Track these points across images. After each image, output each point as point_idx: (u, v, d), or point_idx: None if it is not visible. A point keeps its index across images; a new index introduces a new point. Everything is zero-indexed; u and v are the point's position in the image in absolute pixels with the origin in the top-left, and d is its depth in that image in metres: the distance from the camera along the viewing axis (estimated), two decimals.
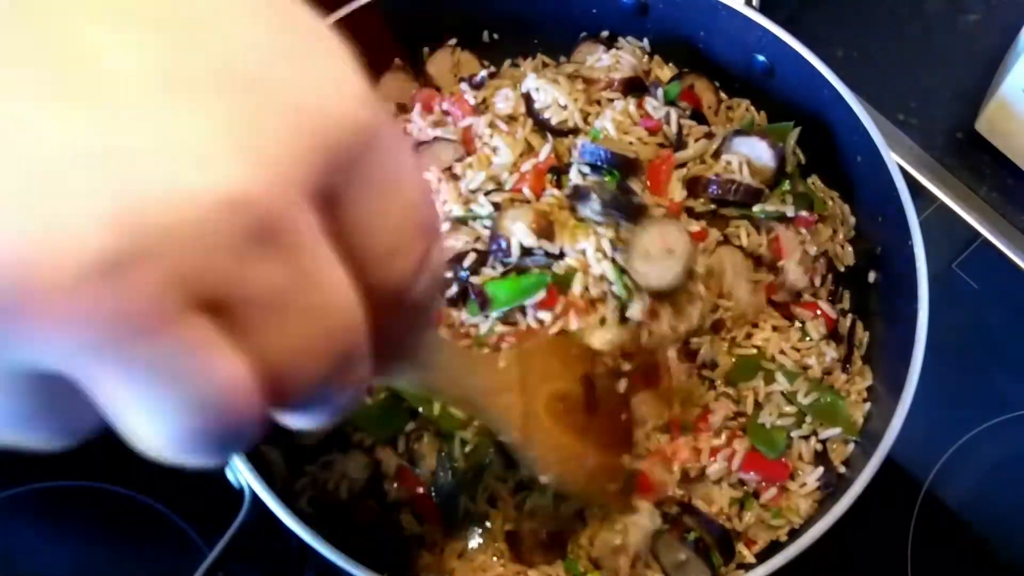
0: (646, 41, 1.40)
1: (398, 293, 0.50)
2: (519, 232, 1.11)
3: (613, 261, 1.11)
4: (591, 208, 1.12)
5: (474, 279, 1.13)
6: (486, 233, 1.15)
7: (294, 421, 0.50)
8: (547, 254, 1.12)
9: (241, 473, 1.03)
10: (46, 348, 0.38)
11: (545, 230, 1.12)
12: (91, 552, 1.24)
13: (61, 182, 0.36)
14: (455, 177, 1.19)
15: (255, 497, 1.03)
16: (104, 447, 1.24)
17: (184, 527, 1.23)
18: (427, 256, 0.51)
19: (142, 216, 0.37)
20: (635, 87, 1.31)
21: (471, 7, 1.39)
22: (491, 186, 1.18)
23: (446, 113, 1.28)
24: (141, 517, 1.24)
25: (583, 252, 1.11)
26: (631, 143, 1.23)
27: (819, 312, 1.23)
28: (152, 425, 0.43)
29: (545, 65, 1.43)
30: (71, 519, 1.26)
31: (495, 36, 1.42)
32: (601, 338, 1.09)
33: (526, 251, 1.12)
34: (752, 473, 1.14)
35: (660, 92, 1.29)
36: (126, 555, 1.24)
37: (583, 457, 1.00)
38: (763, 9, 1.31)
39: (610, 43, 1.40)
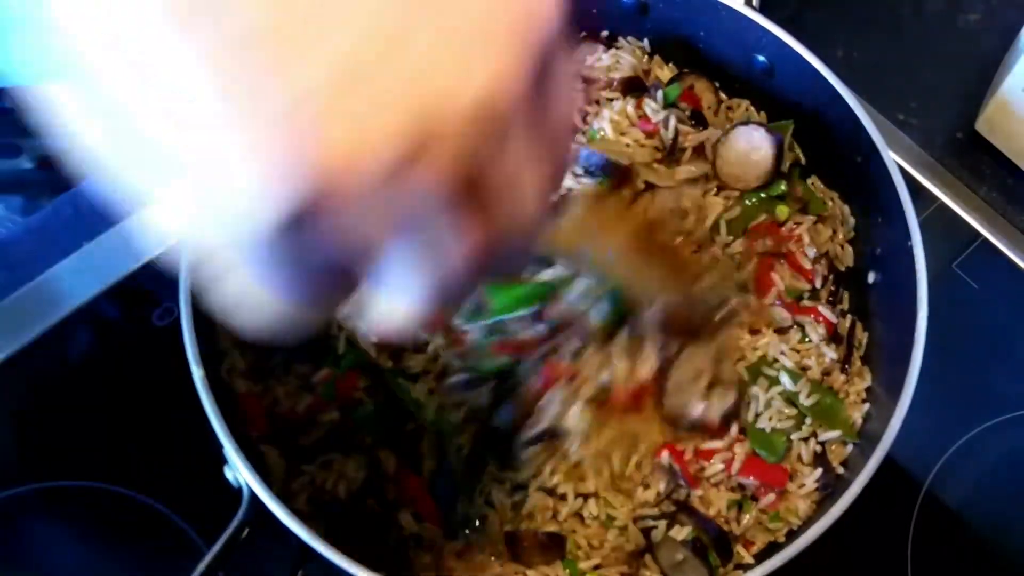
0: (646, 41, 1.40)
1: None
2: None
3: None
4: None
5: None
6: None
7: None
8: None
9: (239, 472, 1.03)
10: (351, 228, 0.46)
11: None
12: (89, 552, 1.25)
13: (370, 84, 0.44)
14: None
15: (253, 496, 1.03)
16: (103, 447, 1.25)
17: (182, 526, 1.23)
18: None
19: (431, 111, 0.44)
20: (634, 87, 1.31)
21: None
22: None
23: None
24: (139, 517, 1.24)
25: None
26: (628, 144, 1.23)
27: (820, 318, 1.22)
28: (401, 295, 0.53)
29: None
30: (70, 519, 1.26)
31: None
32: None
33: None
34: (751, 478, 1.14)
35: (660, 93, 1.29)
36: (124, 554, 1.24)
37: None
38: (763, 9, 1.31)
39: (610, 43, 1.40)
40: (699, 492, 1.14)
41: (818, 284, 1.25)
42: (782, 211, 1.25)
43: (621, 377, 1.13)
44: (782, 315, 1.21)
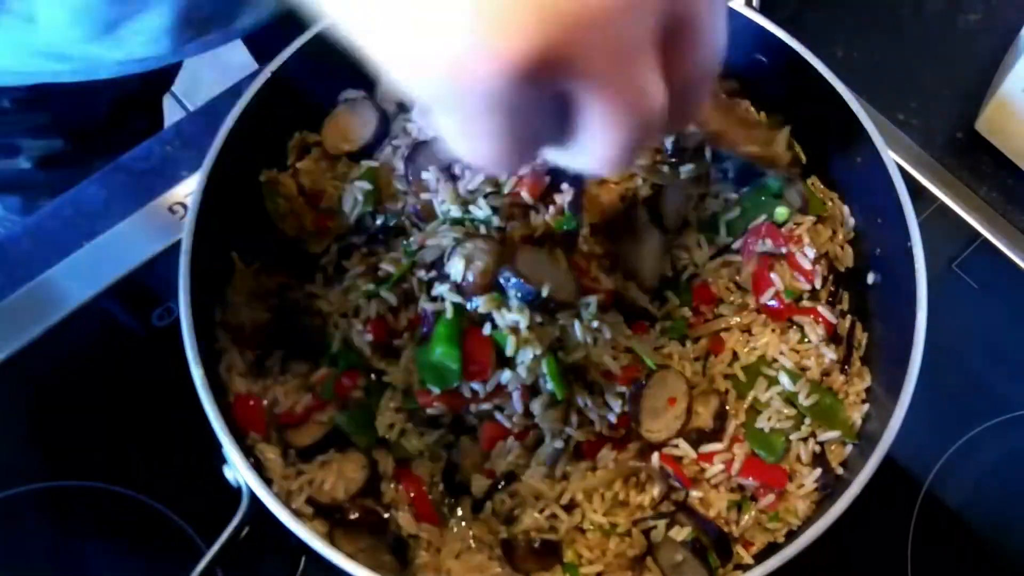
0: None
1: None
2: (455, 271, 1.08)
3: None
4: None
5: (444, 292, 1.09)
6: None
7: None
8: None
9: (239, 472, 1.03)
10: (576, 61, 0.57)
11: (486, 286, 1.07)
12: (89, 551, 1.24)
13: None
14: (454, 177, 1.18)
15: (253, 496, 1.03)
16: (103, 447, 1.25)
17: (182, 526, 1.23)
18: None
19: None
20: None
21: None
22: (489, 188, 1.18)
23: None
24: (139, 516, 1.24)
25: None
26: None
27: (820, 319, 1.22)
28: (610, 135, 0.61)
29: None
30: (70, 519, 1.26)
31: None
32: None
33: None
34: (751, 479, 1.13)
35: None
36: (124, 554, 1.24)
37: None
38: (763, 9, 1.31)
39: None
40: (699, 494, 1.14)
41: (818, 284, 1.25)
42: (781, 213, 1.25)
43: (584, 430, 1.13)
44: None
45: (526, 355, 1.06)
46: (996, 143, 1.53)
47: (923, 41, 1.66)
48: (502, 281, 1.06)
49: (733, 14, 1.28)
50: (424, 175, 1.18)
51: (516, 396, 1.08)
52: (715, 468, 1.13)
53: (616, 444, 1.15)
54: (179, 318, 1.08)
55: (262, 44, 1.68)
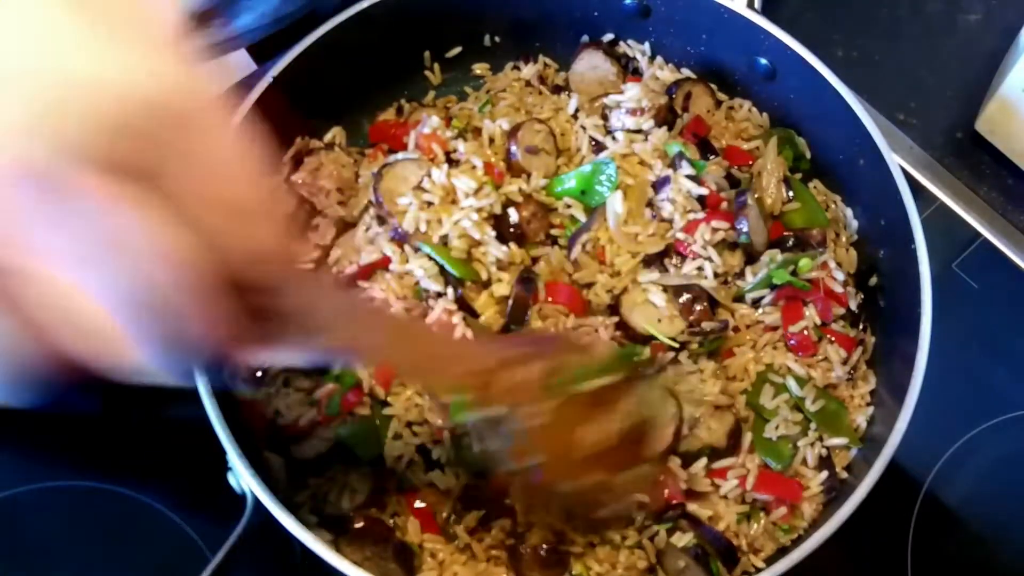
0: (647, 45, 1.40)
1: (248, 262, 0.62)
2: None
3: None
4: None
5: None
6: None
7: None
8: None
9: (243, 478, 1.03)
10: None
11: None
12: (95, 553, 1.24)
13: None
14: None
15: (257, 503, 1.03)
16: (104, 448, 1.24)
17: (187, 531, 1.23)
18: (267, 234, 0.63)
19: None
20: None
21: (472, 11, 1.39)
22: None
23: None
24: (145, 519, 1.24)
25: None
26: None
27: (843, 343, 1.23)
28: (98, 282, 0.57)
29: (547, 66, 1.43)
30: (76, 520, 1.25)
31: (496, 39, 1.42)
32: None
33: None
34: (766, 494, 1.13)
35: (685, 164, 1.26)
36: (130, 557, 1.24)
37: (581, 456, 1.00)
38: (764, 10, 1.31)
39: (612, 46, 1.40)
40: (708, 512, 1.13)
41: (852, 306, 1.25)
42: (805, 265, 1.22)
43: None
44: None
45: None
46: (996, 143, 1.53)
47: (923, 41, 1.66)
48: None
49: (735, 16, 1.29)
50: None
51: None
52: (730, 483, 1.13)
53: None
54: None
55: (261, 44, 1.68)
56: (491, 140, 1.29)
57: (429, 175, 1.21)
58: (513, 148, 1.26)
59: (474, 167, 1.23)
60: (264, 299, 0.66)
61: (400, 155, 1.25)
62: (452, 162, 1.25)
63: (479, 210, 1.19)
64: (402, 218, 1.19)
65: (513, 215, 1.21)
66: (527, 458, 0.96)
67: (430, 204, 1.20)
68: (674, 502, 1.12)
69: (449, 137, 1.27)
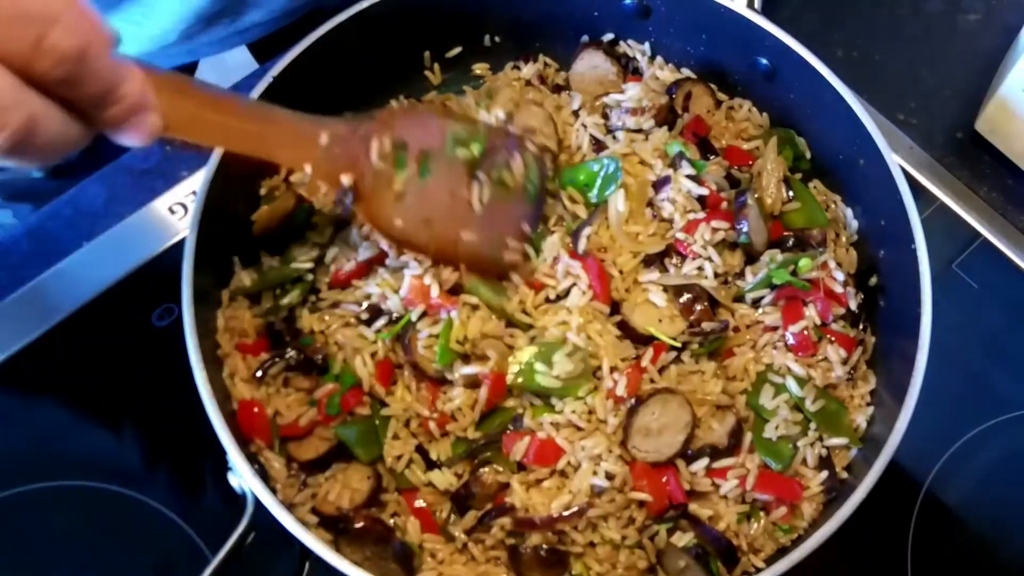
0: (647, 45, 1.40)
1: (41, 67, 0.70)
2: None
3: None
4: None
5: None
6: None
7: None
8: None
9: (243, 478, 1.03)
10: None
11: None
12: (95, 553, 1.24)
13: None
14: None
15: (258, 503, 1.03)
16: (104, 448, 1.24)
17: (187, 531, 1.23)
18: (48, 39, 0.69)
19: None
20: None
21: (472, 11, 1.38)
22: None
23: None
24: (145, 520, 1.24)
25: None
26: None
27: (843, 343, 1.22)
28: None
29: (547, 65, 1.43)
30: (76, 520, 1.25)
31: (496, 39, 1.42)
32: None
33: None
34: (766, 494, 1.13)
35: (685, 164, 1.26)
36: (130, 557, 1.24)
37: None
38: (764, 10, 1.31)
39: (612, 46, 1.40)
40: (708, 512, 1.13)
41: (852, 306, 1.24)
42: (805, 264, 1.22)
43: None
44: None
45: None
46: (996, 143, 1.53)
47: (923, 41, 1.66)
48: None
49: (735, 16, 1.28)
50: None
51: None
52: (730, 483, 1.13)
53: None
54: (179, 318, 1.08)
55: (263, 44, 1.68)
56: None
57: None
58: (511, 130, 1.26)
59: None
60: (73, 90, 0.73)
61: None
62: None
63: None
64: None
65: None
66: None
67: None
68: (676, 503, 1.11)
69: None
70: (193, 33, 1.39)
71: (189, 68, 1.80)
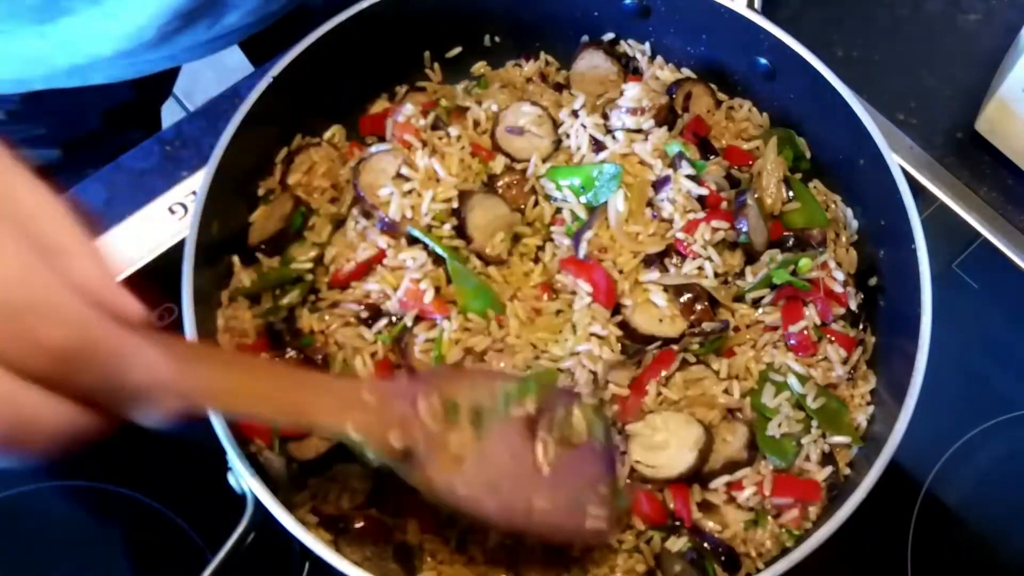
0: (648, 44, 1.40)
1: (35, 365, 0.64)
2: None
3: None
4: None
5: None
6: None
7: None
8: None
9: (243, 478, 1.03)
10: None
11: None
12: (95, 553, 1.24)
13: None
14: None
15: (258, 503, 1.03)
16: (110, 449, 1.24)
17: (187, 530, 1.23)
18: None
19: None
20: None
21: (472, 11, 1.38)
22: None
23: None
24: (145, 520, 1.24)
25: None
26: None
27: (843, 343, 1.22)
28: None
29: (548, 64, 1.43)
30: (76, 520, 1.26)
31: (496, 39, 1.43)
32: None
33: None
34: (785, 498, 1.12)
35: (685, 164, 1.26)
36: (130, 557, 1.24)
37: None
38: (764, 10, 1.31)
39: (612, 46, 1.40)
40: (716, 525, 1.13)
41: (852, 306, 1.25)
42: (805, 264, 1.22)
43: None
44: None
45: None
46: (996, 143, 1.53)
47: (923, 41, 1.66)
48: None
49: (735, 16, 1.28)
50: None
51: None
52: (747, 492, 1.12)
53: None
54: (179, 318, 1.08)
55: (258, 46, 1.68)
56: (475, 123, 1.31)
57: (408, 163, 1.23)
58: (497, 129, 1.28)
59: (463, 147, 1.26)
60: (87, 383, 0.67)
61: (374, 148, 1.27)
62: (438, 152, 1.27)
63: (457, 187, 1.22)
64: (386, 208, 1.20)
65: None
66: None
67: (412, 191, 1.21)
68: (684, 524, 1.12)
69: (423, 126, 1.28)
70: (171, 32, 1.38)
71: (170, 74, 1.79)
